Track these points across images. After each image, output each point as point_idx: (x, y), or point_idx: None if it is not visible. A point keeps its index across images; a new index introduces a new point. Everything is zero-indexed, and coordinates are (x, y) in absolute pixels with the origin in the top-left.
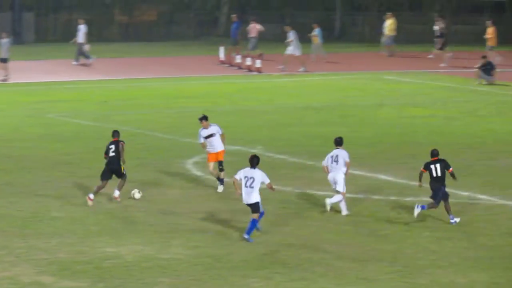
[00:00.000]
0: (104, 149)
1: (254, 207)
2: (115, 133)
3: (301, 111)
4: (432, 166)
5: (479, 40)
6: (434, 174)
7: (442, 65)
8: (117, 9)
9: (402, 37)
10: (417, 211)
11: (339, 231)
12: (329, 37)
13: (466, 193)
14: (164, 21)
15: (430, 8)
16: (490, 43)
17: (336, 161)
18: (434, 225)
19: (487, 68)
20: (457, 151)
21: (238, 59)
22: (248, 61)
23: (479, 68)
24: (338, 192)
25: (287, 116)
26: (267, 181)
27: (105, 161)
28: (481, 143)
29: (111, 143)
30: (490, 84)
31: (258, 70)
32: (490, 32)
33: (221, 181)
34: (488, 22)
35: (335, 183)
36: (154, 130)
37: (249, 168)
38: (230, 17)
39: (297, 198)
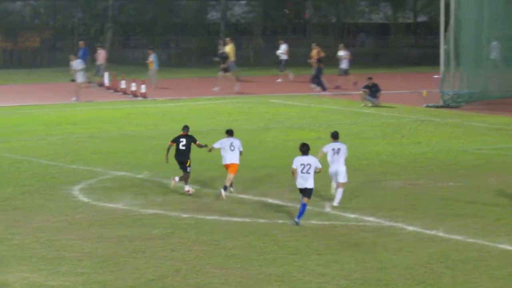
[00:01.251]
0: None
1: (310, 192)
2: (185, 127)
3: None
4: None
5: (364, 62)
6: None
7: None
8: (0, 36)
9: (288, 61)
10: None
11: (227, 255)
12: (213, 61)
13: (353, 215)
14: (48, 47)
15: (315, 32)
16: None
17: (338, 153)
18: (321, 248)
19: (373, 90)
20: None
21: (123, 84)
22: (133, 87)
23: (364, 90)
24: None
25: None
26: (319, 166)
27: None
28: (367, 165)
29: (181, 136)
30: (375, 106)
31: (143, 96)
32: (315, 54)
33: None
34: (313, 45)
35: (337, 174)
36: (38, 157)
37: (303, 156)
38: (112, 43)
39: (185, 222)
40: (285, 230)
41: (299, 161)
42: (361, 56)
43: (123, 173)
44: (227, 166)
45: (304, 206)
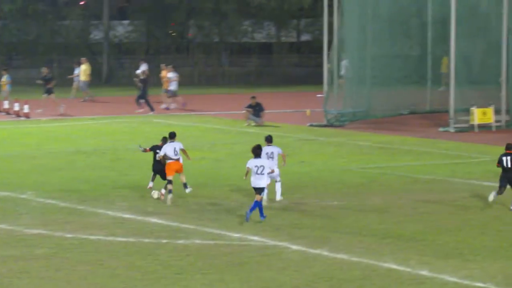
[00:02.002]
0: None
1: (262, 190)
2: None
3: (71, 156)
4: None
5: (248, 81)
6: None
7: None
8: None
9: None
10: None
11: (111, 275)
12: (96, 81)
13: (237, 235)
14: None
15: (198, 51)
16: (165, 86)
17: (272, 157)
18: (205, 267)
19: (256, 110)
20: (227, 193)
21: (6, 104)
22: (16, 107)
23: (248, 109)
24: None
25: (57, 160)
26: (272, 168)
27: None
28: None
29: (157, 147)
30: (259, 125)
31: (27, 116)
32: (164, 75)
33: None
34: (163, 65)
35: (272, 176)
36: None
37: (256, 158)
38: None
39: (70, 242)
40: (169, 249)
41: (253, 163)
42: (244, 75)
43: (7, 193)
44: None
45: (256, 202)
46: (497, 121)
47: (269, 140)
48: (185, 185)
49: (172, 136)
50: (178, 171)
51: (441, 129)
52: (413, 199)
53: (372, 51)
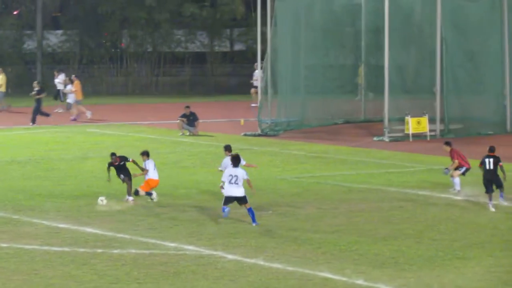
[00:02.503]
0: None
1: (243, 199)
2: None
3: (5, 166)
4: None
5: (181, 90)
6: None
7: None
8: None
9: (103, 89)
10: None
11: (47, 285)
12: (30, 90)
13: (172, 244)
14: None
15: (131, 61)
16: (78, 97)
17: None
18: (141, 277)
19: (190, 119)
20: (162, 202)
21: None
22: None
23: (182, 119)
24: None
25: None
26: (246, 177)
27: None
28: (186, 194)
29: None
30: (193, 135)
31: None
32: (76, 86)
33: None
34: (73, 76)
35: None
36: None
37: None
38: None
39: (5, 252)
40: (105, 259)
41: (228, 172)
42: (178, 85)
43: None
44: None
45: (249, 210)
46: (431, 131)
47: (228, 149)
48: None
49: (148, 153)
50: (154, 188)
51: (375, 138)
52: (348, 208)
53: (306, 60)
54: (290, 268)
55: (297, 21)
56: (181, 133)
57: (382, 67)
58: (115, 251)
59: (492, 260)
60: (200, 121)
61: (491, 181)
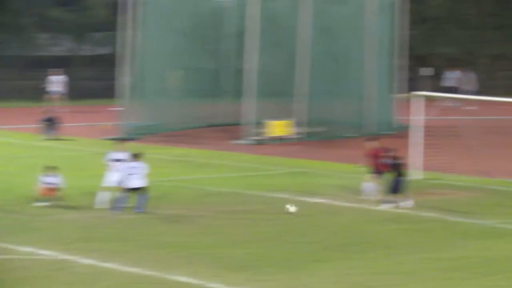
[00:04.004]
0: None
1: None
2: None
3: None
4: None
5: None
6: None
7: None
8: None
9: None
10: None
11: None
12: None
13: (28, 249)
14: None
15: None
16: None
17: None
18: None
19: (52, 123)
20: (20, 206)
21: None
22: None
23: (44, 123)
24: None
25: None
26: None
27: None
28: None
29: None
30: (55, 139)
31: None
32: None
33: None
34: None
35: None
36: None
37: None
38: None
39: None
40: None
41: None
42: (41, 89)
43: None
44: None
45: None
46: (292, 133)
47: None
48: None
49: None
50: None
51: (238, 141)
52: (208, 211)
53: (170, 64)
54: (146, 272)
55: (162, 25)
56: (42, 137)
57: (246, 71)
58: None
59: (348, 262)
60: (62, 125)
61: None
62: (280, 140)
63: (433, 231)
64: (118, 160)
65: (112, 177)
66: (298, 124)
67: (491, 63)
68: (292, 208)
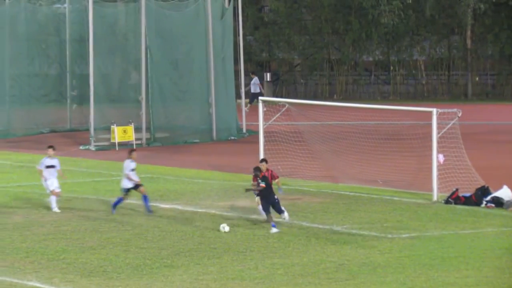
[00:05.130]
0: None
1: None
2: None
3: None
4: None
5: None
6: None
7: None
8: None
9: None
10: None
11: None
12: None
13: None
14: None
15: None
16: None
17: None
18: None
19: None
20: None
21: None
22: None
23: None
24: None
25: None
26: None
27: None
28: None
29: None
30: None
31: None
32: None
33: None
34: None
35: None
36: None
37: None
38: None
39: None
40: None
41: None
42: None
43: None
44: None
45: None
46: (137, 139)
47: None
48: None
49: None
50: None
51: (82, 147)
52: (56, 217)
53: (11, 70)
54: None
55: (1, 31)
56: None
57: (87, 76)
58: None
59: (200, 268)
60: None
61: None
62: (123, 145)
63: (286, 236)
64: None
65: None
66: (139, 129)
67: (331, 68)
68: (226, 228)
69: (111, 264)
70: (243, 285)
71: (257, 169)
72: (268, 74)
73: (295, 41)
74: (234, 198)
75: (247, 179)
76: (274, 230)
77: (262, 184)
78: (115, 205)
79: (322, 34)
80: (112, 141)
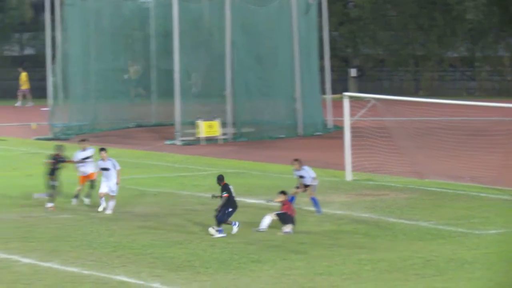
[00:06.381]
0: None
1: None
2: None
3: None
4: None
5: None
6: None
7: None
8: None
9: None
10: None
11: None
12: None
13: None
14: None
15: None
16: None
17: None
18: None
19: None
20: None
21: None
22: None
23: None
24: None
25: None
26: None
27: None
28: None
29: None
30: None
31: None
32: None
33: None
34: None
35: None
36: None
37: None
38: None
39: None
40: None
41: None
42: None
43: None
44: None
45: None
46: (223, 134)
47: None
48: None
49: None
50: None
51: (167, 142)
52: (142, 211)
53: (96, 64)
54: (86, 272)
55: (87, 26)
56: None
57: (172, 71)
58: None
59: (287, 263)
60: None
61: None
62: (209, 140)
63: (373, 232)
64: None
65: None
66: (226, 124)
67: (416, 64)
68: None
69: (198, 258)
70: (330, 280)
71: (220, 178)
72: (353, 70)
73: (379, 36)
74: (321, 194)
75: (334, 175)
76: (218, 235)
77: (225, 194)
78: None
79: (406, 30)
80: (197, 135)
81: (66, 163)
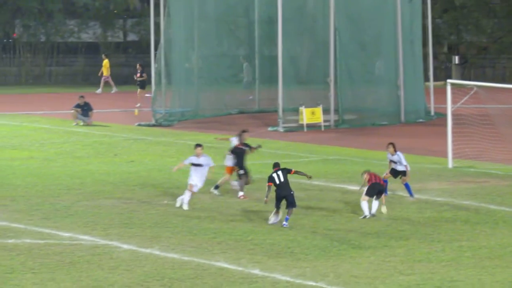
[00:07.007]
0: None
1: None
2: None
3: None
4: (275, 175)
5: (75, 81)
6: (278, 181)
7: None
8: None
9: None
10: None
11: None
12: None
13: (67, 234)
14: None
15: (24, 50)
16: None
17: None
18: (36, 266)
19: (84, 109)
20: (57, 192)
21: None
22: None
23: (76, 109)
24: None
25: None
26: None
27: None
28: (80, 184)
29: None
30: (88, 125)
31: None
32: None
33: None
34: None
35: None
36: None
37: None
38: None
39: None
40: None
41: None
42: (71, 75)
43: None
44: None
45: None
46: (325, 121)
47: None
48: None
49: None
50: None
51: (270, 128)
52: (242, 199)
53: (200, 50)
54: (186, 258)
55: (190, 12)
56: (75, 123)
57: (276, 58)
58: (10, 240)
59: (387, 249)
60: (94, 111)
61: (284, 196)
62: (311, 127)
63: (473, 219)
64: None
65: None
66: (329, 111)
67: None
68: (383, 209)
69: (298, 245)
70: (430, 267)
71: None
72: (457, 57)
73: (483, 24)
74: (422, 180)
75: (435, 161)
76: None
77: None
78: None
79: (510, 17)
80: (300, 122)
81: (250, 151)
